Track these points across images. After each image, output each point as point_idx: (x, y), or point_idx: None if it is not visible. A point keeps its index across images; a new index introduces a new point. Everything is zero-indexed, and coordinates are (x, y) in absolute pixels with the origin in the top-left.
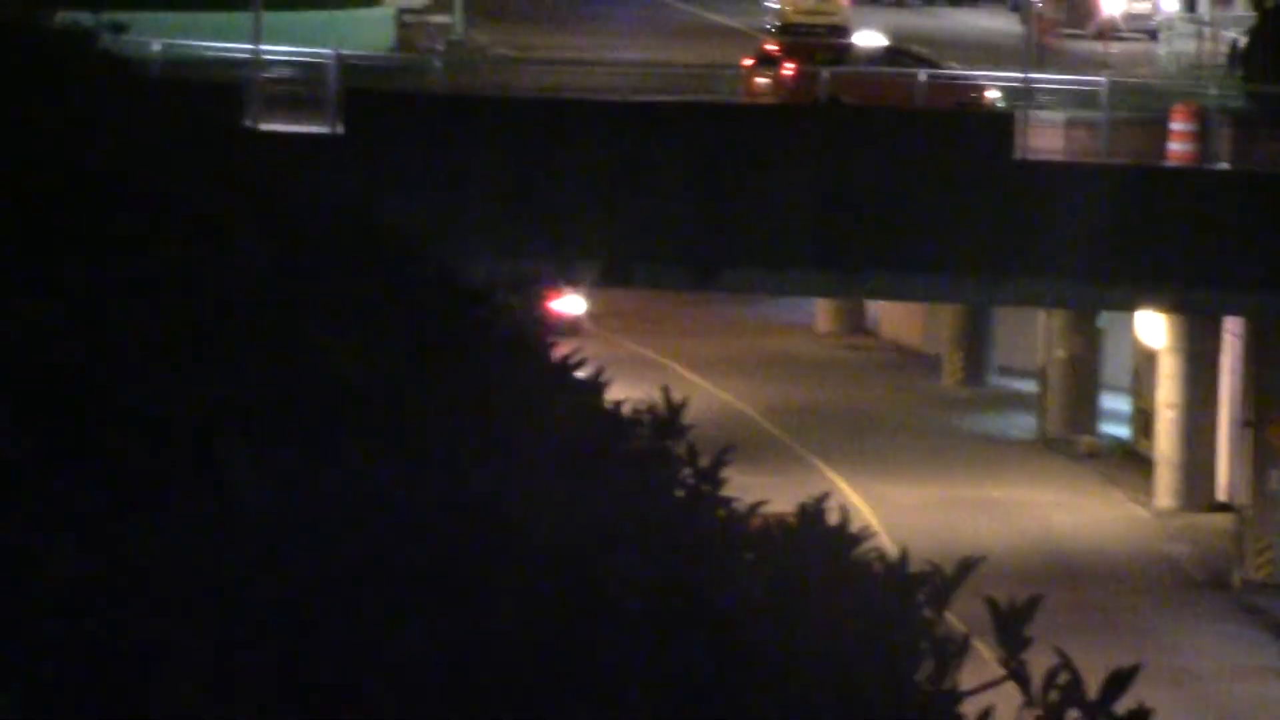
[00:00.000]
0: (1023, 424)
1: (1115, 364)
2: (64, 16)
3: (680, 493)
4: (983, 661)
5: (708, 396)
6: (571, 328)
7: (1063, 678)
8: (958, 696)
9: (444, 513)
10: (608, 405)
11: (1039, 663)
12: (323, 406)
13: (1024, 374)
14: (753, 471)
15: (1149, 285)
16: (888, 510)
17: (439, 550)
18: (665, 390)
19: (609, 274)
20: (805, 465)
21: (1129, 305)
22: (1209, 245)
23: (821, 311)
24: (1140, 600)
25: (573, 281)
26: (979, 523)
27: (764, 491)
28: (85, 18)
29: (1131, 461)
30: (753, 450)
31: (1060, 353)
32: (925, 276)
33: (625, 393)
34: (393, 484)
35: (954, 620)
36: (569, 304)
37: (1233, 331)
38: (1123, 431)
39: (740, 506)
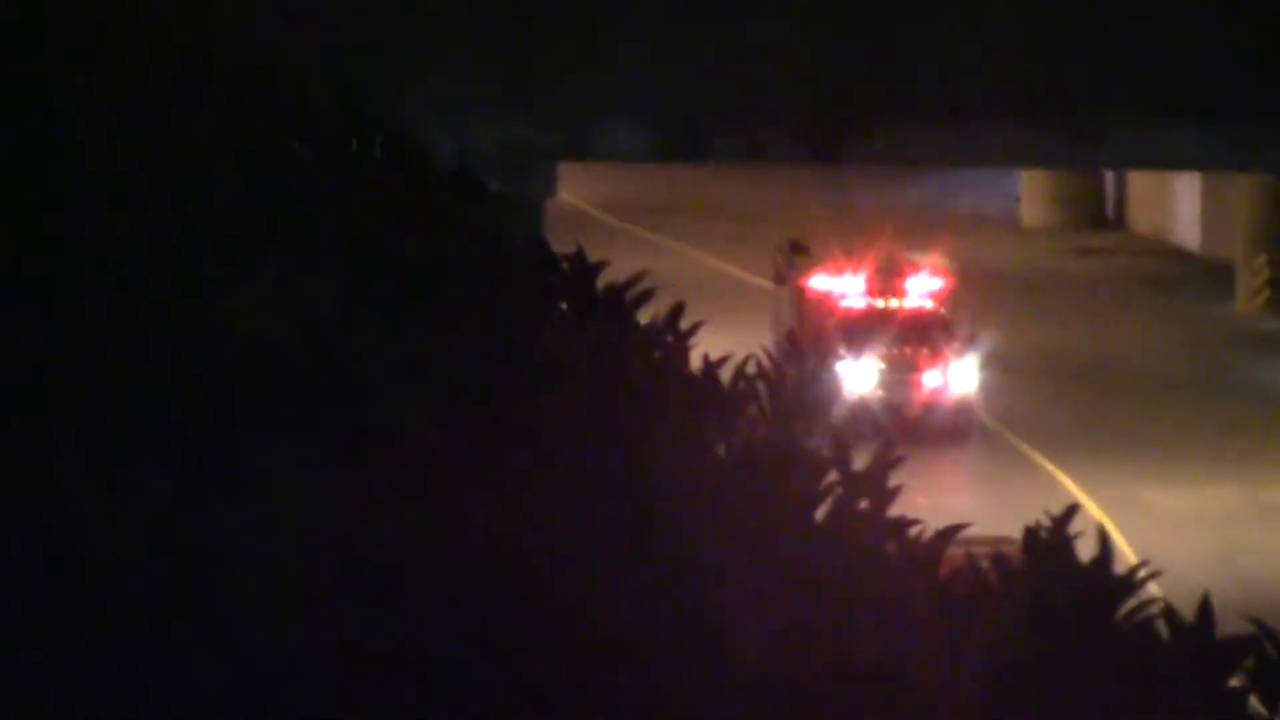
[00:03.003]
0: None
1: None
2: None
3: (824, 509)
4: None
5: None
6: (953, 423)
7: None
8: None
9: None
10: (698, 368)
11: None
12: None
13: None
14: (935, 469)
15: None
16: (1153, 529)
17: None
18: (792, 337)
19: (675, 145)
20: (1017, 457)
21: None
22: None
23: (1032, 194)
24: None
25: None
26: None
27: (959, 504)
28: None
29: None
30: (933, 435)
31: None
32: (1198, 129)
33: (720, 340)
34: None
35: None
36: (946, 374)
37: None
38: None
39: (923, 533)
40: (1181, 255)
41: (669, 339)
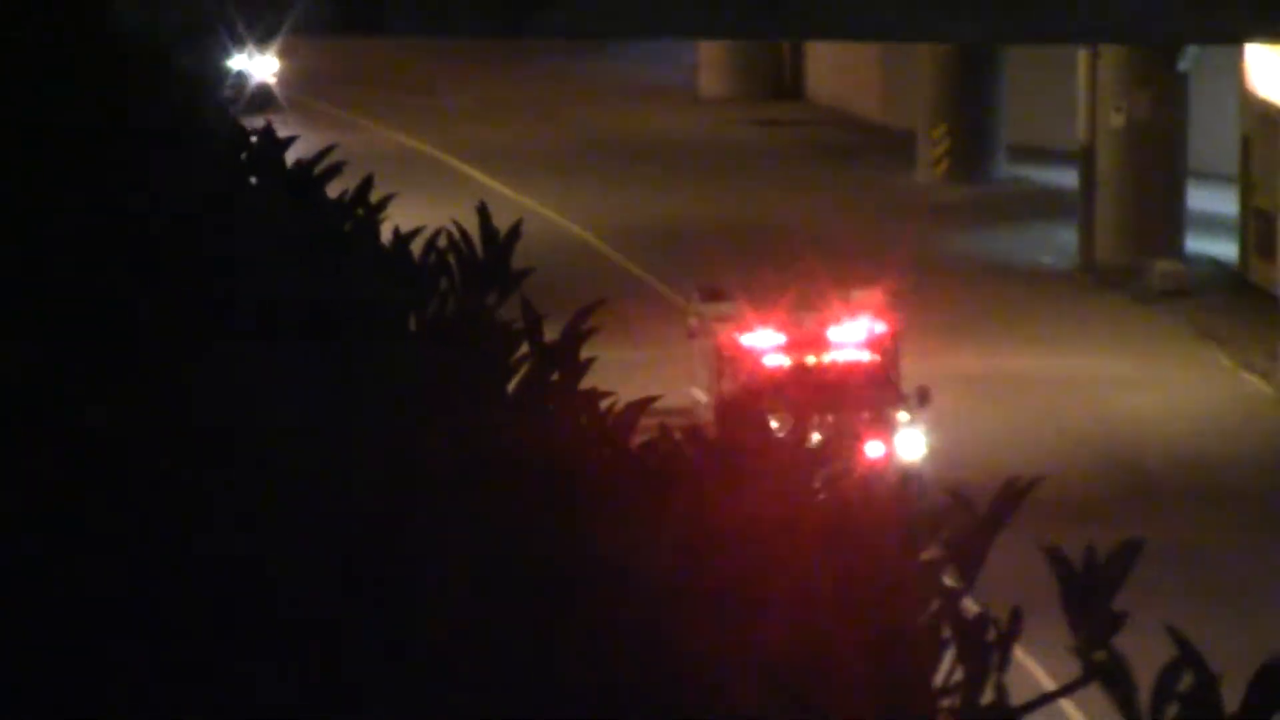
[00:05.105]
0: (1056, 242)
1: (1209, 136)
2: None
3: (514, 383)
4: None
5: (529, 217)
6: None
7: (1185, 680)
8: (1009, 715)
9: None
10: (386, 241)
11: (1137, 650)
12: None
13: (1054, 158)
14: (624, 343)
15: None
16: None
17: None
18: (482, 210)
19: (355, 18)
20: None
21: (1233, 35)
22: None
23: (709, 64)
24: (1276, 535)
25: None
26: (998, 417)
27: (651, 377)
28: None
29: (1242, 300)
30: (618, 305)
31: (1117, 119)
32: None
33: (411, 214)
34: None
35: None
36: (890, 442)
37: None
38: (1225, 250)
39: (615, 405)
40: (862, 125)
41: (359, 213)
